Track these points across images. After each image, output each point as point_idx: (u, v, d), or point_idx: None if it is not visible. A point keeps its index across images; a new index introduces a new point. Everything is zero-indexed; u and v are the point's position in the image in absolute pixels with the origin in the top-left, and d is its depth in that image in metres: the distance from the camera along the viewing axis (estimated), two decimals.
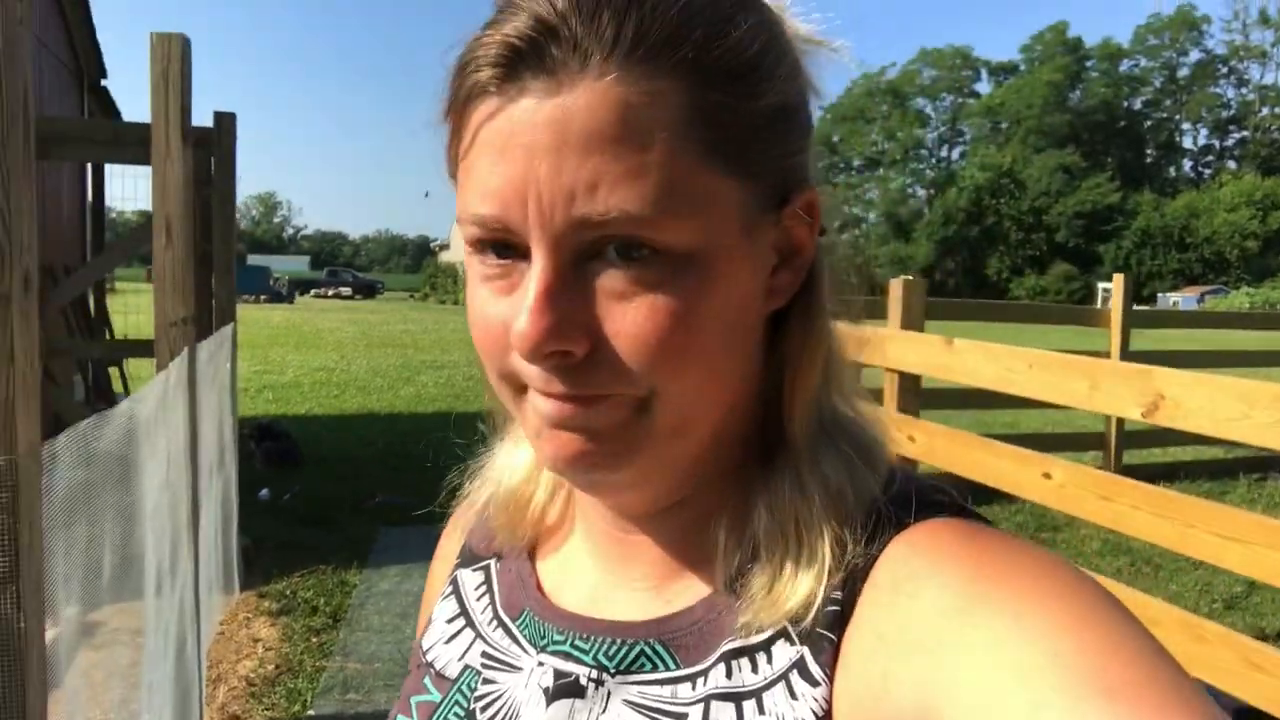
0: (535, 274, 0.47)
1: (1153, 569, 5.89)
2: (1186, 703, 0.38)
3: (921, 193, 74.22)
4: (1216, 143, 71.83)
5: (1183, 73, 71.12)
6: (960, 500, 0.53)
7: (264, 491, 6.53)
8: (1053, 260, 61.94)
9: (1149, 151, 73.82)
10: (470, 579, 0.66)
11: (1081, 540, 6.38)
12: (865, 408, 0.57)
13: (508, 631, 0.61)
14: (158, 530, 2.78)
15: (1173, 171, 72.50)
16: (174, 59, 3.37)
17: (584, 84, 0.45)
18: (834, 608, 0.49)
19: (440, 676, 0.62)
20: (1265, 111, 67.81)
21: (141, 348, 5.62)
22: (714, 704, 0.51)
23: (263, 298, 35.01)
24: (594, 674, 0.55)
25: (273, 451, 7.42)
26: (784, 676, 0.50)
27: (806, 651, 0.49)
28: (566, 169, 0.45)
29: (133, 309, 8.95)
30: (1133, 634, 0.42)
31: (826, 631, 0.49)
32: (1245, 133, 69.15)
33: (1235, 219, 58.70)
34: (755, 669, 0.51)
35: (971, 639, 0.43)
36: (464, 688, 0.61)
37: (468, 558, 0.68)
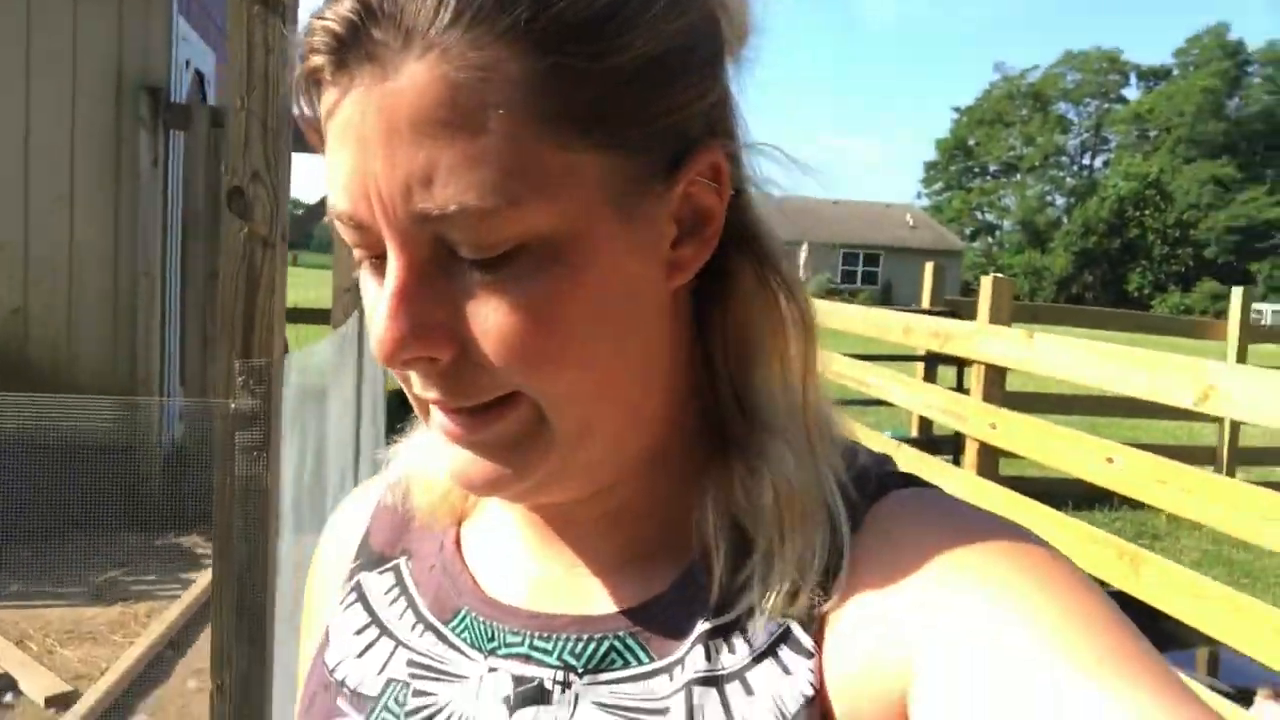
0: (389, 275, 0.44)
1: (1251, 580, 5.95)
2: (1136, 639, 0.41)
3: (1060, 201, 71.66)
4: None
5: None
6: (909, 474, 0.53)
7: None
8: (1200, 277, 58.94)
9: None
10: (376, 583, 0.60)
11: (1180, 551, 6.45)
12: (818, 384, 0.53)
13: (440, 637, 0.55)
14: (338, 464, 3.37)
15: None
16: None
17: (407, 65, 0.41)
18: (816, 578, 0.47)
19: (357, 695, 0.56)
20: None
21: (318, 315, 6.40)
22: (695, 690, 0.48)
23: None
24: (560, 675, 0.51)
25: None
26: (771, 651, 0.47)
27: (792, 623, 0.47)
28: (399, 161, 0.42)
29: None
30: (1096, 599, 0.43)
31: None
32: None
33: None
34: (733, 650, 0.48)
35: (952, 604, 0.43)
36: (390, 704, 0.54)
37: (369, 559, 0.62)
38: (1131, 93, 74.48)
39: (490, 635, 0.53)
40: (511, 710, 0.51)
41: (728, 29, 0.49)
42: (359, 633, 0.58)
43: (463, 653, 0.54)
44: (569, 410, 0.46)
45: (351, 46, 0.42)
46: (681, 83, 0.45)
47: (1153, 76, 73.18)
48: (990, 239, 73.05)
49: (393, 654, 0.56)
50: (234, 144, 1.88)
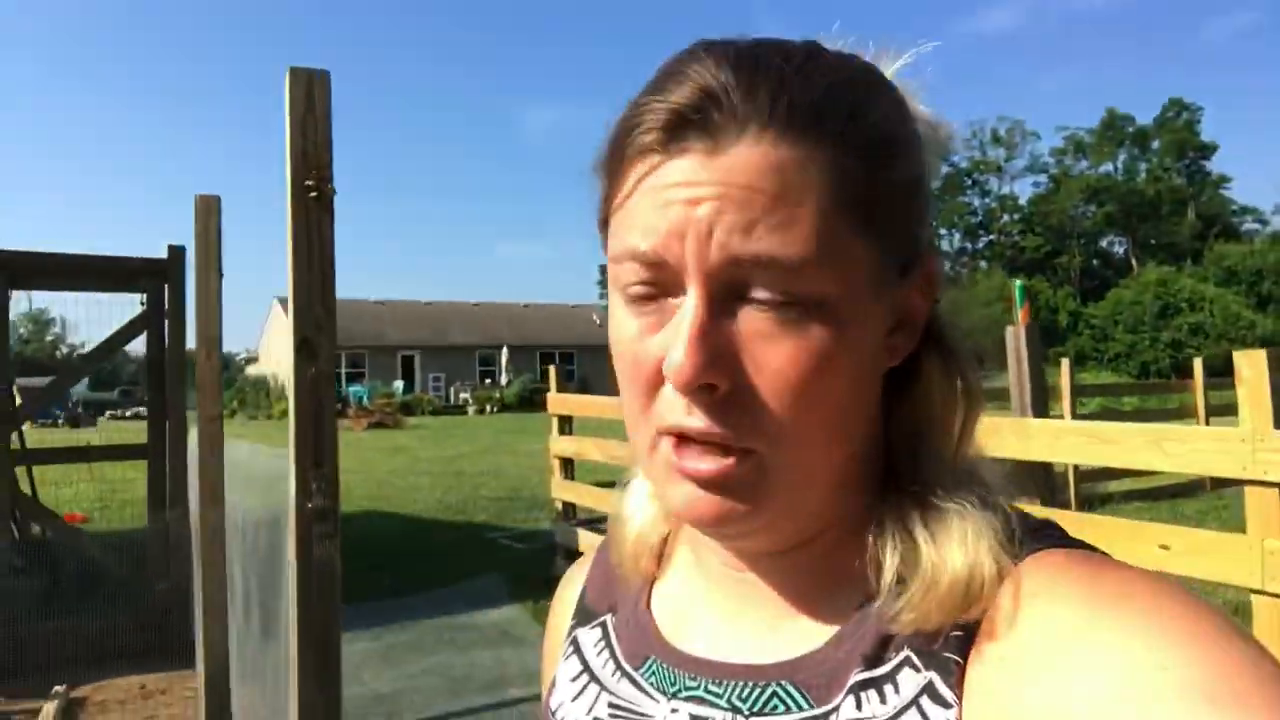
0: (690, 308, 0.51)
1: None
2: None
3: None
4: (969, 245, 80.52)
5: (935, 183, 79.48)
6: (1070, 536, 0.56)
7: None
8: None
9: None
10: (588, 637, 0.70)
11: None
12: (982, 451, 0.60)
13: (633, 682, 0.63)
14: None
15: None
16: (213, 216, 4.43)
17: (743, 146, 0.50)
18: (958, 632, 0.52)
19: None
20: (1005, 218, 77.05)
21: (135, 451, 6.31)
22: None
23: (60, 421, 33.00)
24: (729, 717, 0.57)
25: None
26: (914, 702, 0.51)
27: (935, 676, 0.51)
28: (727, 209, 0.50)
29: None
30: (1244, 648, 0.43)
31: (953, 655, 0.51)
32: (992, 236, 78.04)
33: (990, 313, 64.83)
34: (884, 699, 0.52)
35: (1088, 658, 0.45)
36: None
37: (584, 616, 0.72)
38: None
39: (672, 680, 0.61)
40: None
41: (934, 163, 0.60)
42: (574, 680, 0.68)
43: (650, 695, 0.62)
44: (797, 457, 0.53)
45: (694, 124, 0.51)
46: (920, 202, 0.57)
47: None
48: None
49: (597, 698, 0.65)
50: (298, 306, 2.50)
